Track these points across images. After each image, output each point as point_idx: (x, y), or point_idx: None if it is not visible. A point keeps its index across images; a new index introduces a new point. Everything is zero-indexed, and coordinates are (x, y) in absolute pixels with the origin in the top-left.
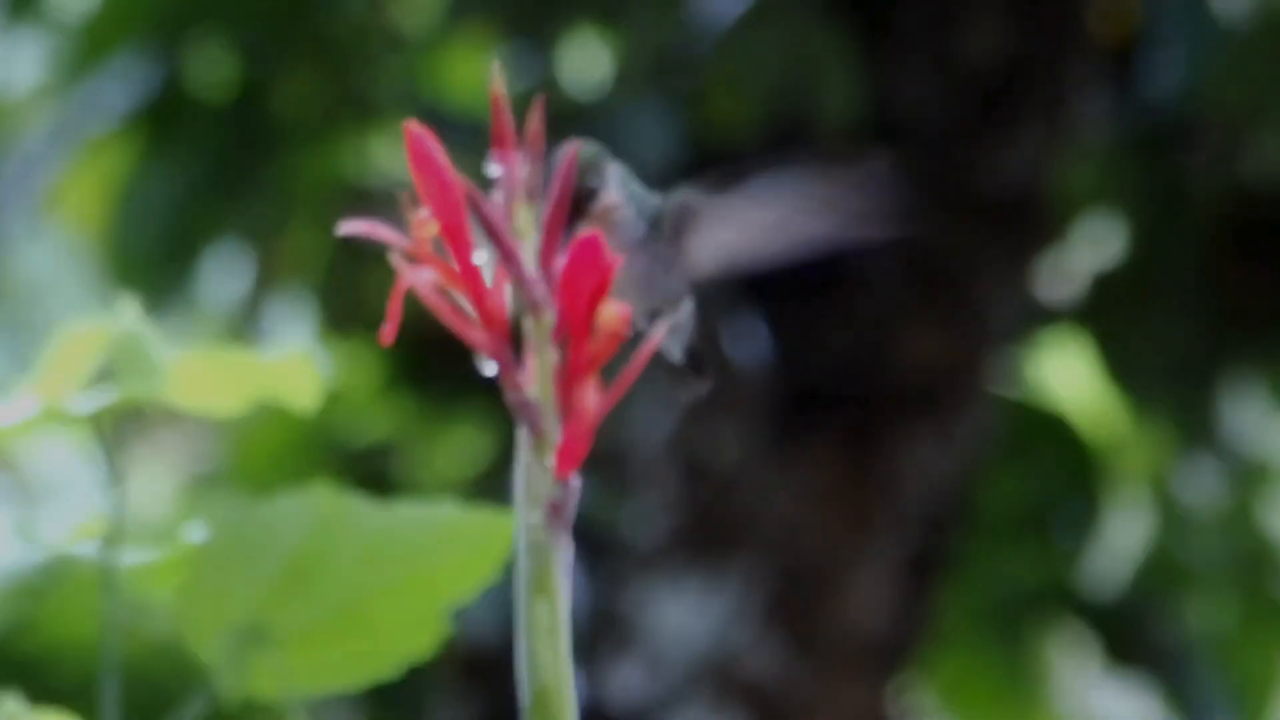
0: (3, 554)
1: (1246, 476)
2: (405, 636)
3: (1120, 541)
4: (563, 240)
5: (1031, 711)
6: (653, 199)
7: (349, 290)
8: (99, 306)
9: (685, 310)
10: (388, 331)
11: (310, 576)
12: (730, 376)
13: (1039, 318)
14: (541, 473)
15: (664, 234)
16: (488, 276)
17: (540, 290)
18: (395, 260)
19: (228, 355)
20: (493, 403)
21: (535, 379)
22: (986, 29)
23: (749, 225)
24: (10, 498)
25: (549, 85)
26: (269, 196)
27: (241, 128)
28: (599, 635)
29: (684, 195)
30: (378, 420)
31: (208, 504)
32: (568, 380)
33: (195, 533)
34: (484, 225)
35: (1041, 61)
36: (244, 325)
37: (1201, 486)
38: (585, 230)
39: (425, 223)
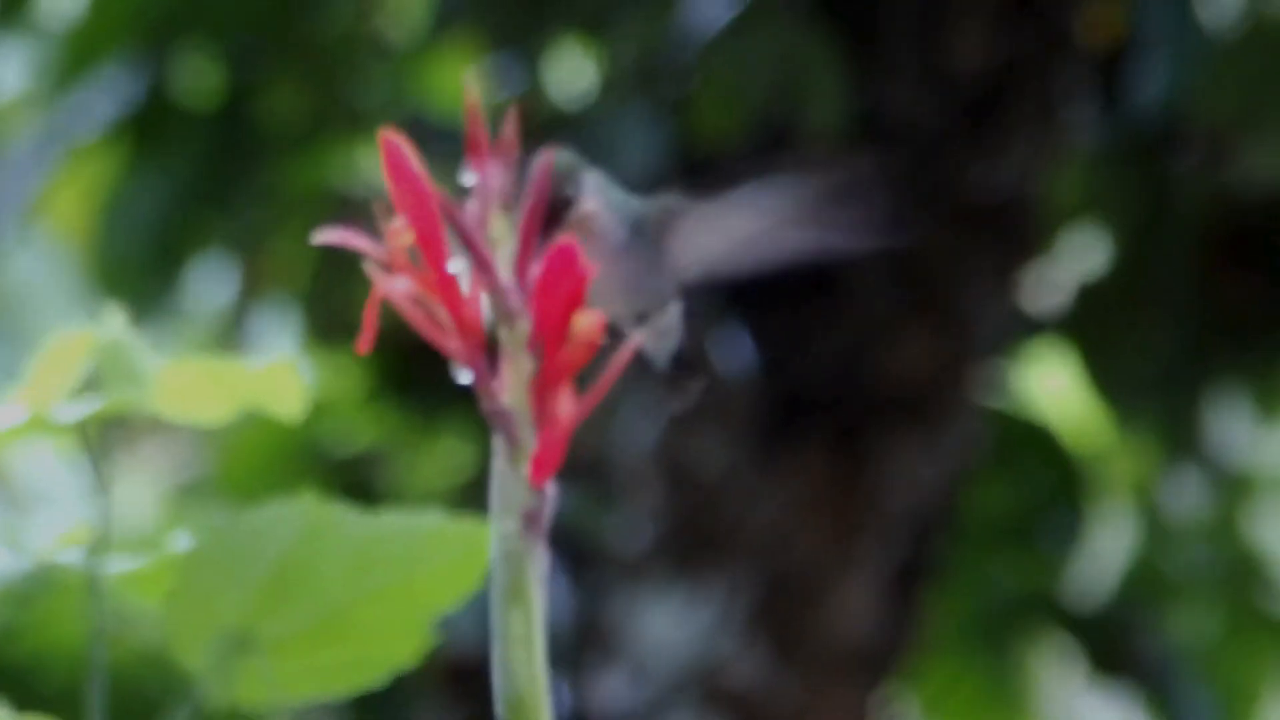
0: None
1: (1231, 487)
2: (390, 644)
3: (1105, 551)
4: (539, 248)
5: None
6: (632, 205)
7: (334, 299)
8: (85, 314)
9: (670, 317)
10: (364, 341)
11: (295, 585)
12: (716, 385)
13: (1025, 327)
14: (517, 481)
15: (645, 240)
16: (463, 285)
17: (514, 298)
18: (371, 269)
19: (213, 364)
20: (478, 411)
21: (510, 387)
22: (974, 37)
23: (731, 232)
24: None
25: (534, 94)
26: (255, 205)
27: (227, 136)
28: (583, 644)
29: (665, 201)
30: (363, 429)
31: (193, 512)
32: (543, 388)
33: (181, 541)
34: (459, 234)
35: (1028, 70)
36: (230, 334)
37: (1186, 497)
38: (561, 238)
39: (400, 231)
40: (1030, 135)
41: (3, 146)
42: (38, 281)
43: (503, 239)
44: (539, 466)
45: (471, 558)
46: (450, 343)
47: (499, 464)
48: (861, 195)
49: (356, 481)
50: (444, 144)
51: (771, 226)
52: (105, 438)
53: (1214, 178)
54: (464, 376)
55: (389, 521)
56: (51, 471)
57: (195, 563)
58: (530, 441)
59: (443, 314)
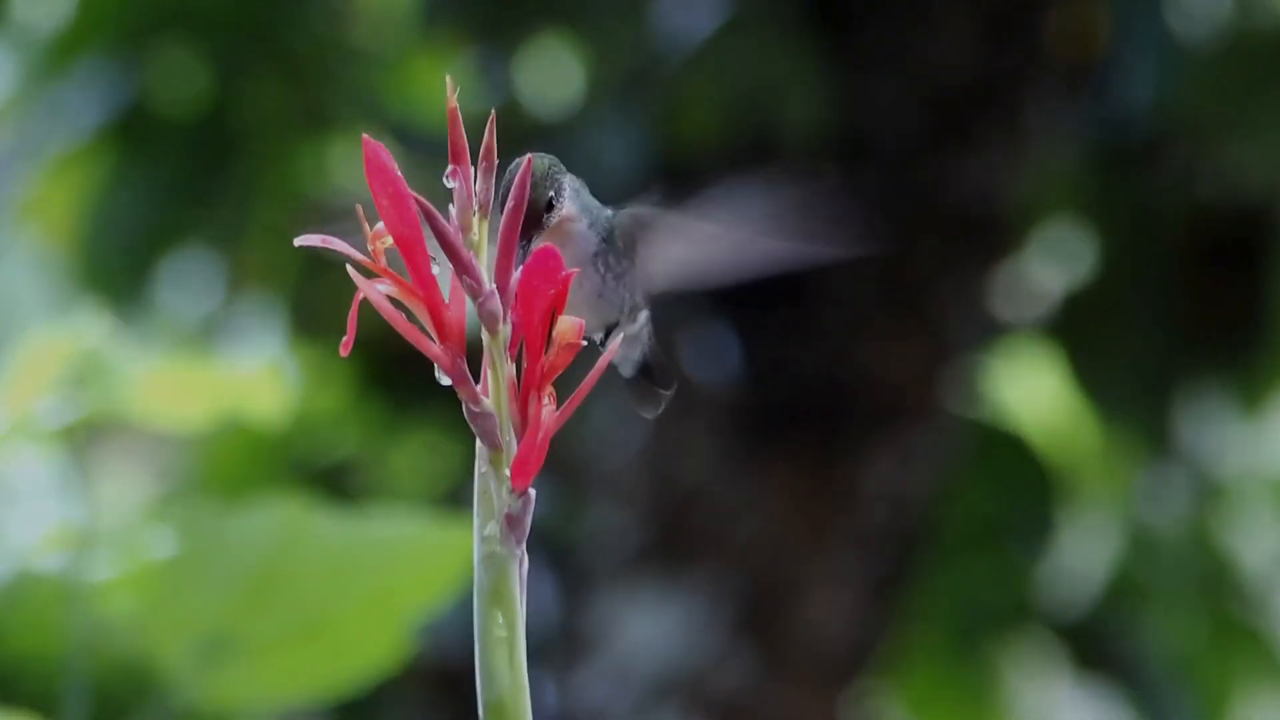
0: None
1: (1209, 493)
2: (370, 647)
3: (1084, 558)
4: (519, 253)
5: None
6: (607, 212)
7: (318, 300)
8: (68, 318)
9: (640, 323)
10: (346, 344)
11: (275, 588)
12: (693, 391)
13: (1001, 333)
14: (498, 484)
15: (618, 247)
16: (444, 289)
17: (495, 303)
18: (353, 273)
19: (195, 369)
20: (459, 415)
21: (492, 391)
22: (952, 48)
23: (703, 239)
24: None
25: (516, 101)
26: (237, 209)
27: (209, 141)
28: (566, 647)
29: (639, 208)
30: (346, 430)
31: (174, 516)
32: (523, 393)
33: (161, 546)
34: (439, 238)
35: (1005, 79)
36: (213, 336)
37: (1165, 504)
38: (540, 243)
39: (381, 235)
40: (1006, 144)
41: None
42: (21, 286)
43: (483, 244)
44: (520, 470)
45: (450, 561)
46: (431, 347)
47: (481, 467)
48: (837, 203)
49: (338, 484)
50: (423, 150)
51: (740, 233)
52: (86, 439)
53: (1195, 186)
54: (444, 380)
55: (368, 526)
56: (30, 469)
57: (176, 567)
58: (512, 445)
59: (424, 318)
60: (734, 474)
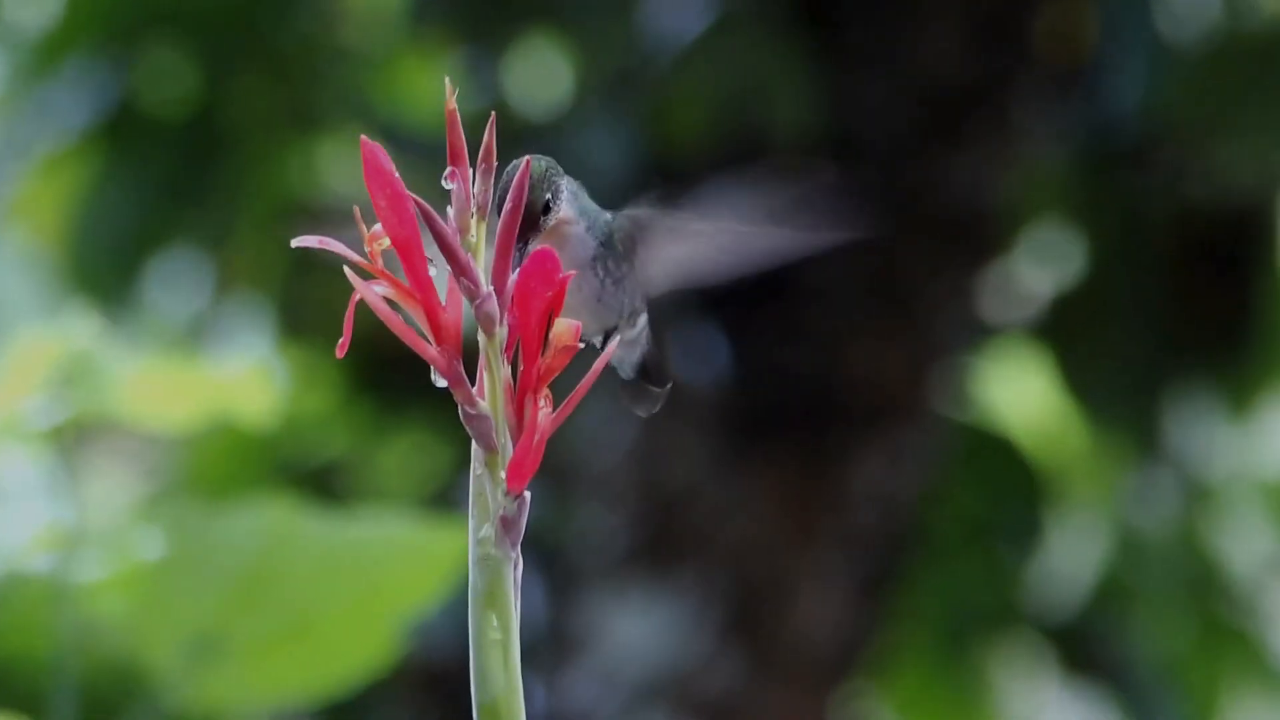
0: None
1: (1197, 495)
2: (358, 648)
3: (1072, 560)
4: (516, 255)
5: None
6: (606, 215)
7: (307, 300)
8: (56, 318)
9: (639, 327)
10: (342, 345)
11: (264, 589)
12: (682, 392)
13: (989, 334)
14: (493, 486)
15: (618, 250)
16: (440, 291)
17: (492, 305)
18: (349, 274)
19: (183, 370)
20: (453, 415)
21: (487, 394)
22: (941, 49)
23: (701, 239)
24: None
25: (504, 101)
26: (226, 209)
27: (197, 141)
28: (558, 648)
29: (636, 211)
30: (335, 431)
31: (163, 517)
32: (519, 395)
33: (149, 547)
34: (437, 240)
35: (994, 80)
36: (201, 336)
37: (1153, 506)
38: (538, 244)
39: (378, 237)
40: (994, 145)
41: None
42: (9, 286)
43: (480, 245)
44: (515, 472)
45: (439, 562)
46: (427, 348)
47: (475, 469)
48: (827, 203)
49: (328, 484)
50: (412, 149)
51: (736, 234)
52: (75, 439)
53: (1184, 188)
54: (441, 382)
55: (357, 527)
56: (18, 470)
57: (164, 567)
58: (507, 448)
59: (421, 320)
60: (723, 475)
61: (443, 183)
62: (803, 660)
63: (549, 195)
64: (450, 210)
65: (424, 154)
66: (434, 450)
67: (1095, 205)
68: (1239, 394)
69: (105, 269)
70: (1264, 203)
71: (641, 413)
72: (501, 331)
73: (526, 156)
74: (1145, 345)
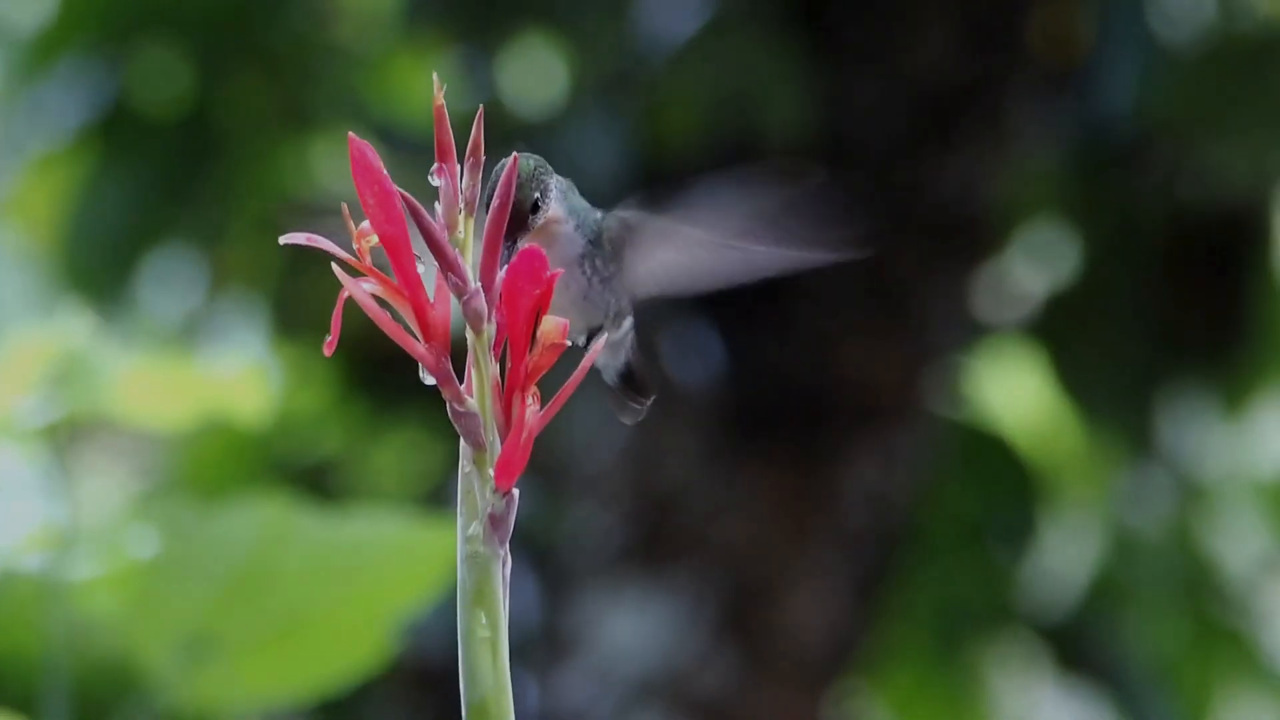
0: None
1: (1190, 495)
2: (351, 646)
3: (1066, 559)
4: (504, 252)
5: None
6: (596, 214)
7: (300, 299)
8: (50, 317)
9: (625, 330)
10: (330, 343)
11: (257, 588)
12: (675, 392)
13: (982, 334)
14: (481, 484)
15: (606, 250)
16: (429, 288)
17: (480, 302)
18: (338, 271)
19: (176, 368)
20: (447, 414)
21: (475, 391)
22: (934, 50)
23: (690, 243)
24: None
25: (498, 101)
26: (219, 208)
27: (191, 140)
28: (549, 647)
29: (627, 212)
30: (328, 429)
31: (156, 515)
32: (508, 393)
33: (142, 545)
34: (425, 236)
35: (987, 80)
36: (194, 335)
37: (1146, 505)
38: (526, 242)
39: (366, 234)
40: (988, 146)
41: None
42: (3, 285)
43: (468, 243)
44: (503, 470)
45: (431, 561)
46: (415, 346)
47: (464, 467)
48: (820, 205)
49: (321, 482)
50: (405, 148)
51: (732, 239)
52: (68, 438)
53: (1177, 188)
54: (428, 379)
55: (350, 525)
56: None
57: (157, 566)
58: (496, 445)
59: (409, 317)
60: (716, 474)
61: (429, 179)
62: (796, 659)
63: (538, 194)
64: (439, 206)
65: (418, 153)
66: (428, 449)
67: (1089, 205)
68: (1233, 394)
69: (99, 267)
70: (1257, 203)
71: (626, 420)
72: (489, 329)
73: (514, 154)
74: (1139, 345)
